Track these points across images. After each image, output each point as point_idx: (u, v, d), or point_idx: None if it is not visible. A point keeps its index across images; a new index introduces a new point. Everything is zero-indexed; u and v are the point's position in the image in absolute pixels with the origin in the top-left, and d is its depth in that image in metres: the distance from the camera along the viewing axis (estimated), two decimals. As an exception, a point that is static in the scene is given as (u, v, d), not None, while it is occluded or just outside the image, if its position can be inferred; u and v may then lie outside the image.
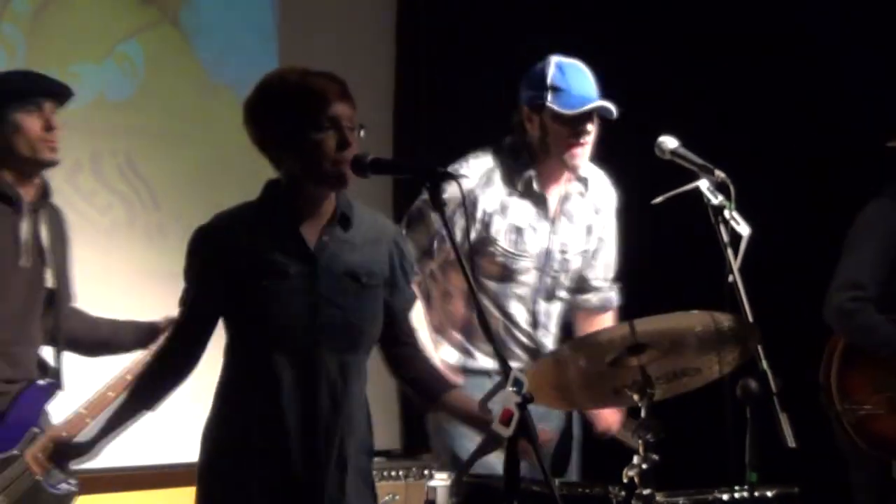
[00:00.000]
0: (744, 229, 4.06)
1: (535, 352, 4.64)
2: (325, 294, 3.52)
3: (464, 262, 3.43)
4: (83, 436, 3.74)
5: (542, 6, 6.62)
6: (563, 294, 4.70)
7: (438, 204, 3.41)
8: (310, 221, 3.54)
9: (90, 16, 5.68)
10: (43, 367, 4.27)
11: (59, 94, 4.25)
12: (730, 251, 4.04)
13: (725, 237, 4.07)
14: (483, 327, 3.46)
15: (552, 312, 4.69)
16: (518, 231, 4.55)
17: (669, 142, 4.27)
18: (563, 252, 4.61)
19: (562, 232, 4.61)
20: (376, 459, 5.71)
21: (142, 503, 5.62)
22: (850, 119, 5.88)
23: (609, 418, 4.67)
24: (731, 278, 4.01)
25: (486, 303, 4.54)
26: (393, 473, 5.54)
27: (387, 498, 5.34)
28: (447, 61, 6.82)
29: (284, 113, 3.48)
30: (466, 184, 4.43)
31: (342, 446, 3.55)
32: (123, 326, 4.41)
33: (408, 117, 6.73)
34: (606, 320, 4.77)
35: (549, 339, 4.69)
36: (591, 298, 4.79)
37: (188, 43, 6.06)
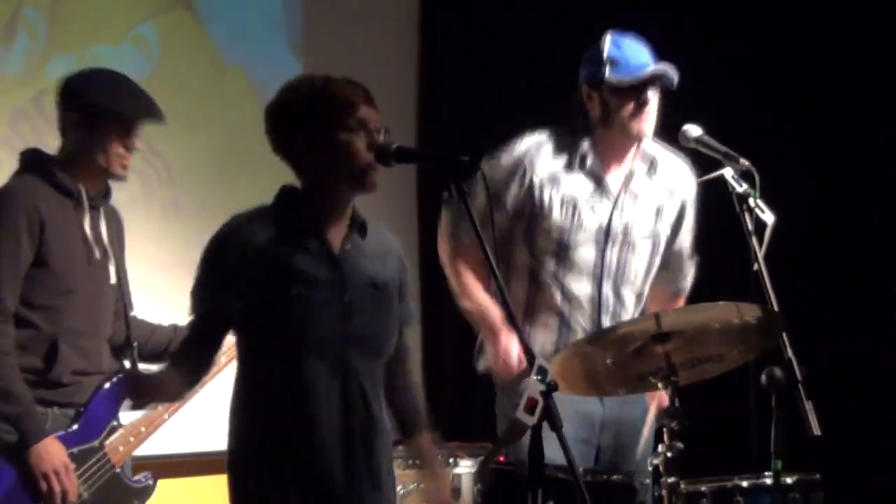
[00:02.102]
0: (769, 217, 4.05)
1: None
2: (354, 302, 3.52)
3: (485, 242, 3.41)
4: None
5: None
6: (639, 277, 4.59)
7: (461, 192, 3.41)
8: (331, 228, 3.54)
9: (105, 7, 5.70)
10: (116, 361, 4.30)
11: (152, 117, 4.29)
12: (754, 240, 4.03)
13: (750, 225, 4.06)
14: (505, 308, 3.45)
15: (624, 299, 4.58)
16: (572, 205, 4.47)
17: (693, 130, 4.27)
18: (626, 232, 4.51)
19: (625, 210, 4.51)
20: (399, 448, 5.77)
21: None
22: (878, 108, 5.86)
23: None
24: (755, 267, 3.99)
25: (547, 281, 4.50)
26: (416, 462, 5.55)
27: (410, 486, 5.36)
28: (471, 50, 6.84)
29: (312, 117, 3.48)
30: (515, 152, 4.48)
31: (375, 450, 3.58)
32: (182, 332, 4.34)
33: (431, 107, 6.73)
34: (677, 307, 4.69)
35: None
36: (668, 284, 4.71)
37: (201, 26, 6.09)
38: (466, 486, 4.10)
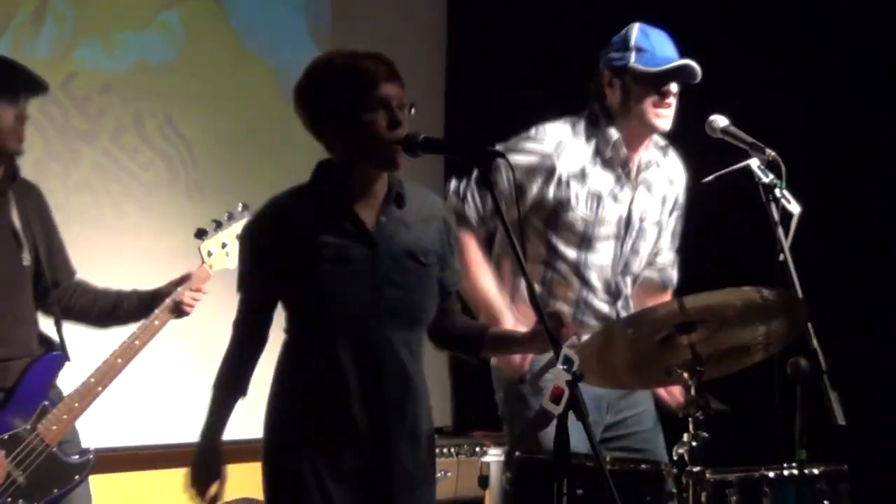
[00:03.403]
0: (794, 208, 4.05)
1: None
2: (387, 275, 3.54)
3: (512, 233, 3.42)
4: (198, 465, 3.69)
5: None
6: (639, 266, 4.63)
7: (488, 182, 3.42)
8: (365, 202, 3.55)
9: None
10: (45, 343, 4.27)
11: (38, 87, 4.24)
12: (780, 230, 4.02)
13: (776, 216, 4.06)
14: (532, 300, 3.45)
15: (628, 283, 4.63)
16: (597, 198, 4.46)
17: (720, 120, 4.25)
18: (641, 220, 4.54)
19: (640, 200, 4.54)
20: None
21: (159, 481, 5.71)
22: (878, 108, 5.84)
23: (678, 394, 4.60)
24: (781, 257, 3.99)
25: (566, 271, 4.50)
26: (444, 451, 5.56)
27: (438, 475, 5.37)
28: (499, 38, 6.82)
29: (334, 95, 3.49)
30: (540, 150, 4.44)
31: (415, 421, 3.61)
32: (128, 296, 4.41)
33: (459, 96, 6.73)
34: (664, 299, 4.69)
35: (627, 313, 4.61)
36: (655, 276, 4.73)
37: (223, 13, 6.10)
38: (495, 474, 4.08)
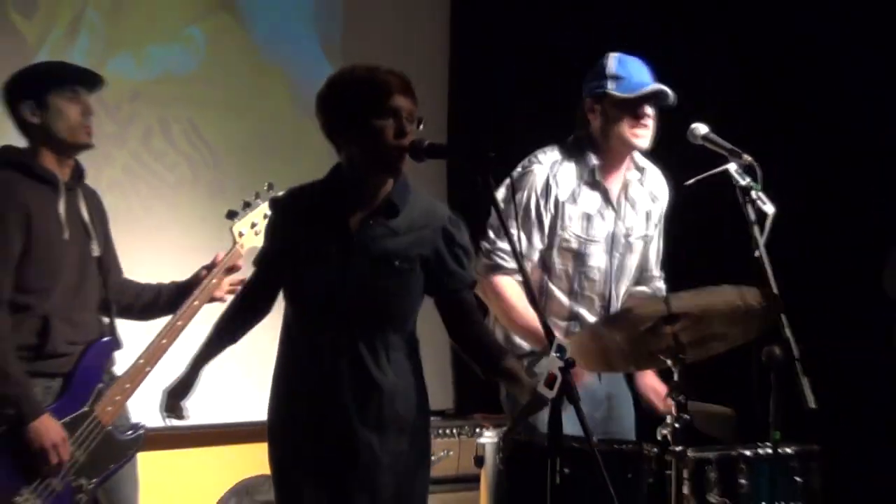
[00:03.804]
0: (769, 208, 4.05)
1: None
2: (359, 277, 3.55)
3: (512, 239, 3.43)
4: (178, 379, 3.79)
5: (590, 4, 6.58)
6: (629, 278, 4.64)
7: (487, 184, 3.42)
8: (362, 206, 3.56)
9: (160, 5, 5.72)
10: (103, 329, 4.26)
11: (94, 81, 4.22)
12: (756, 229, 4.03)
13: (752, 216, 4.06)
14: (531, 300, 3.48)
15: (620, 294, 4.63)
16: (588, 218, 4.49)
17: (700, 128, 4.26)
18: (626, 236, 4.56)
19: (626, 217, 4.56)
20: (431, 419, 5.74)
21: (200, 458, 5.71)
22: (876, 108, 5.80)
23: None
24: (757, 253, 4.00)
25: (556, 290, 4.52)
26: (447, 431, 5.56)
27: (441, 454, 5.37)
28: (500, 51, 6.81)
29: (350, 100, 3.50)
30: (540, 177, 4.47)
31: (381, 409, 3.58)
32: (166, 288, 4.42)
33: (461, 106, 6.72)
34: None
35: None
36: (646, 290, 4.72)
37: (243, 27, 6.09)
38: (489, 454, 4.09)
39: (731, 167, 4.15)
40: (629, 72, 4.45)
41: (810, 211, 5.46)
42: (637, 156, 4.57)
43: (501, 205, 3.98)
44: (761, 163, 4.16)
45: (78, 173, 4.22)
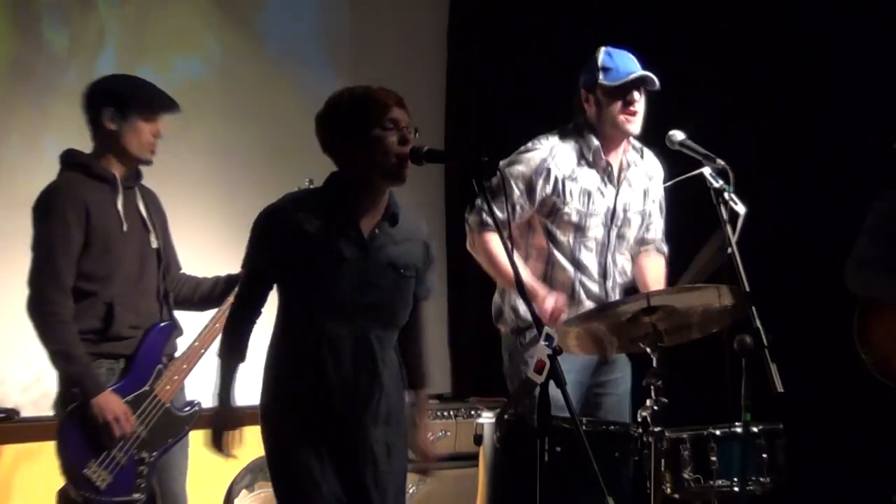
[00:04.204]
0: (740, 209, 4.06)
1: (602, 301, 4.60)
2: (372, 279, 3.56)
3: (500, 226, 3.43)
4: (221, 419, 3.74)
5: (583, 11, 6.52)
6: (626, 249, 4.68)
7: (481, 185, 3.43)
8: (366, 215, 3.56)
9: (181, 20, 5.70)
10: (163, 314, 4.26)
11: (172, 107, 4.24)
12: (728, 227, 4.04)
13: (725, 215, 4.06)
14: (520, 289, 3.45)
15: (619, 265, 4.66)
16: (588, 194, 4.52)
17: (678, 135, 4.26)
18: (625, 211, 4.60)
19: (624, 194, 4.59)
20: (431, 401, 5.74)
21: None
22: (840, 112, 5.78)
23: None
24: (729, 250, 4.00)
25: (561, 258, 4.55)
26: (445, 413, 5.55)
27: (440, 434, 5.36)
28: (493, 63, 6.78)
29: (353, 117, 3.51)
30: (538, 155, 4.51)
31: (379, 404, 3.59)
32: (217, 281, 4.43)
33: (457, 114, 6.70)
34: (660, 263, 4.77)
35: (616, 290, 4.66)
36: (650, 247, 4.77)
37: (258, 42, 6.06)
38: (487, 433, 4.09)
39: (706, 171, 4.15)
40: (616, 63, 4.49)
41: (779, 211, 5.45)
42: (633, 140, 4.61)
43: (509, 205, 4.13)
44: (737, 164, 4.17)
45: (136, 173, 4.24)
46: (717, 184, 4.10)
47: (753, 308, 3.90)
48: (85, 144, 4.23)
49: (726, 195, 4.08)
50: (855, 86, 5.71)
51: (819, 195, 5.62)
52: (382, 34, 6.43)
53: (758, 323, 3.89)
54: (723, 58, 6.03)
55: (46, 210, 4.05)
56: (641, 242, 4.73)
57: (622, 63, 4.50)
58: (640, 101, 4.47)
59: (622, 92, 4.45)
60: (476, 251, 4.53)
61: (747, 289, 3.95)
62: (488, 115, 6.62)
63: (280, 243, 3.57)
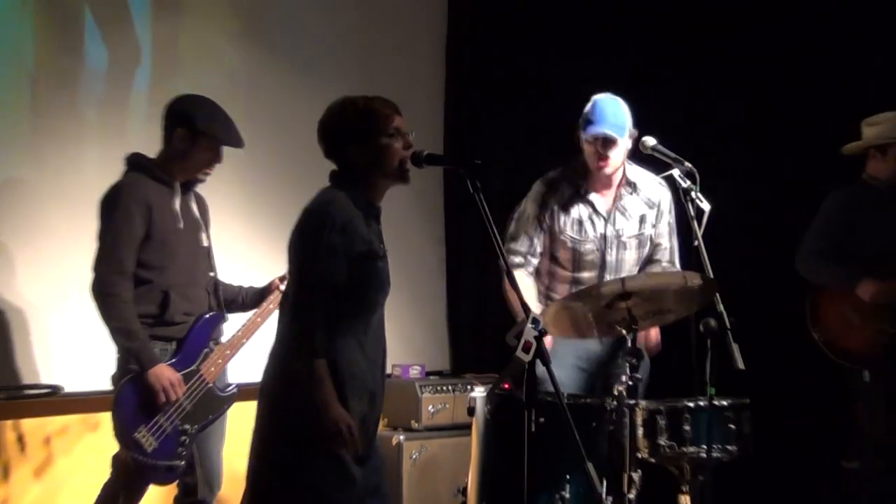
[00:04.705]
0: (706, 206, 4.08)
1: None
2: (387, 268, 3.51)
3: (496, 238, 3.38)
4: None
5: (578, 30, 6.35)
6: (631, 269, 4.63)
7: (475, 186, 3.37)
8: (374, 212, 3.49)
9: (206, 42, 5.60)
10: (211, 304, 4.29)
11: (237, 143, 4.28)
12: (695, 223, 4.06)
13: (692, 212, 4.08)
14: (512, 285, 3.46)
15: None
16: (580, 223, 4.58)
17: (649, 140, 4.29)
18: (618, 237, 4.59)
19: (617, 223, 4.58)
20: (431, 377, 5.75)
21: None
22: (797, 120, 5.74)
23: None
24: (696, 243, 4.03)
25: (561, 274, 4.63)
26: (444, 388, 5.53)
27: (440, 406, 5.37)
28: (488, 72, 6.64)
29: (360, 128, 3.45)
30: (540, 194, 4.61)
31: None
32: (244, 290, 4.44)
33: (455, 120, 6.61)
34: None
35: None
36: (657, 266, 4.70)
37: (278, 58, 5.96)
38: (480, 405, 4.12)
39: (675, 172, 4.17)
40: (596, 116, 4.47)
41: (741, 208, 5.45)
42: (630, 173, 4.59)
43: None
44: (705, 166, 4.19)
45: (191, 181, 4.27)
46: (685, 184, 4.12)
47: (717, 294, 3.92)
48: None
49: (693, 194, 4.10)
50: (809, 95, 5.69)
51: (777, 194, 5.60)
52: (385, 47, 6.32)
53: (721, 307, 3.91)
54: (696, 67, 5.98)
55: (113, 204, 4.06)
56: (649, 262, 4.69)
57: (598, 115, 4.48)
58: (612, 149, 4.46)
59: (594, 143, 4.47)
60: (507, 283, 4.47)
61: (711, 276, 3.97)
62: (484, 119, 6.53)
63: (354, 250, 3.41)
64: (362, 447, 3.40)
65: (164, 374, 4.04)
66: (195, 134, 4.16)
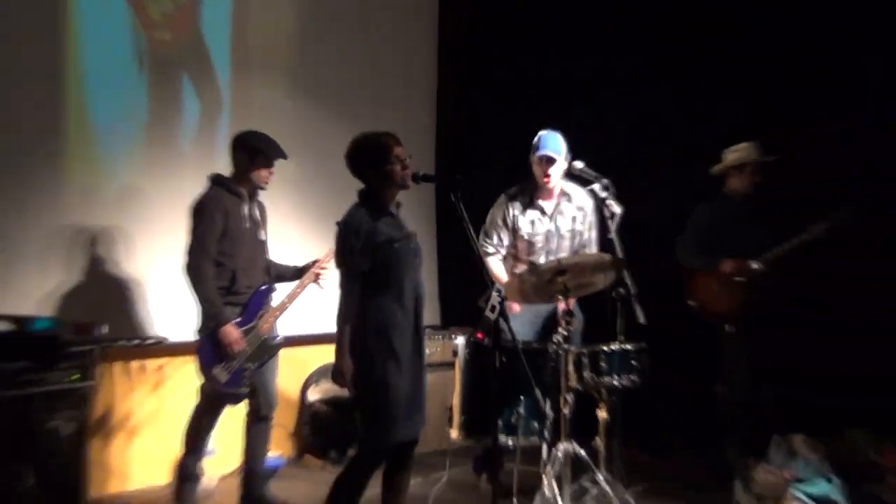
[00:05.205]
0: (617, 209, 4.09)
1: None
2: (415, 246, 3.53)
3: (471, 235, 3.37)
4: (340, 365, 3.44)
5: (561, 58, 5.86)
6: (566, 251, 4.60)
7: (456, 196, 3.35)
8: (392, 214, 3.53)
9: (268, 95, 5.31)
10: (265, 280, 4.23)
11: (284, 157, 4.22)
12: (610, 221, 4.08)
13: (608, 213, 4.10)
14: (484, 266, 3.48)
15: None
16: (532, 223, 4.57)
17: (578, 164, 4.27)
18: (558, 231, 4.58)
19: (557, 222, 4.58)
20: (427, 329, 5.59)
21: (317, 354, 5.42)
22: (695, 134, 5.35)
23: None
24: (610, 235, 4.05)
25: (522, 258, 4.58)
26: (435, 337, 5.51)
27: (433, 349, 5.36)
28: (476, 98, 6.24)
29: (375, 156, 3.48)
30: (503, 204, 4.56)
31: (424, 334, 3.58)
32: (290, 269, 4.36)
33: (445, 142, 6.34)
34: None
35: None
36: (585, 250, 4.62)
37: (319, 104, 5.71)
38: (461, 349, 4.11)
39: (596, 186, 4.17)
40: (542, 144, 4.47)
41: (645, 211, 5.37)
42: (565, 187, 4.56)
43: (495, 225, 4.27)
44: (619, 179, 4.20)
45: (255, 192, 4.23)
46: (602, 194, 4.13)
47: (625, 271, 3.95)
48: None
49: (608, 202, 4.11)
50: (700, 123, 5.39)
51: (668, 202, 5.55)
52: (386, 84, 6.00)
53: (628, 280, 3.95)
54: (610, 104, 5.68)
55: (201, 210, 4.06)
56: (579, 247, 4.65)
57: (542, 144, 4.46)
58: (552, 167, 4.44)
59: (540, 162, 4.46)
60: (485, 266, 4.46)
61: (621, 258, 3.99)
62: (469, 140, 6.23)
63: (362, 242, 3.44)
64: (412, 367, 3.45)
65: (230, 332, 4.02)
66: (252, 154, 4.13)
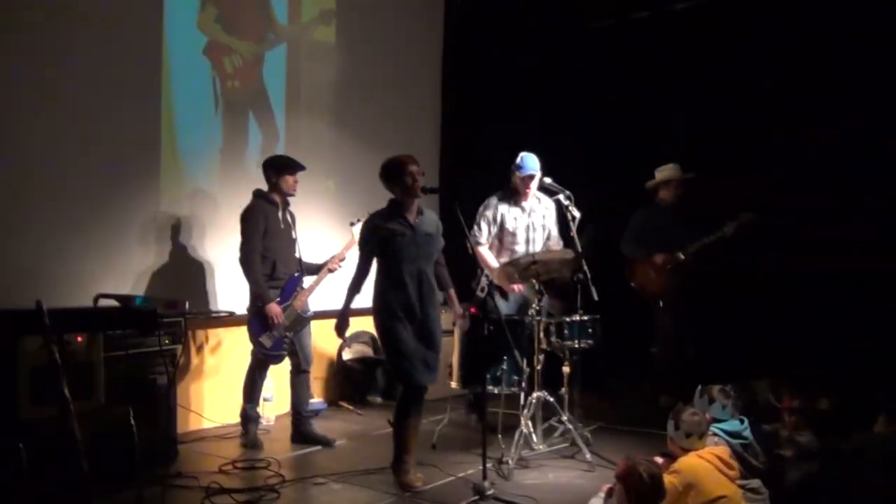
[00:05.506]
0: (577, 214, 4.13)
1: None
2: (420, 242, 3.54)
3: (466, 232, 3.51)
4: (341, 318, 3.55)
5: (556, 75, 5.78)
6: (541, 244, 4.52)
7: (454, 207, 3.46)
8: (409, 214, 3.57)
9: (314, 127, 5.14)
10: (298, 269, 4.22)
11: (303, 169, 4.22)
12: (572, 223, 4.12)
13: (570, 217, 4.13)
14: (477, 256, 3.60)
15: (538, 249, 4.52)
16: (515, 219, 4.46)
17: (546, 179, 4.28)
18: (532, 227, 4.48)
19: (532, 218, 4.48)
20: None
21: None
22: (638, 160, 5.27)
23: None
24: (571, 234, 4.11)
25: (507, 248, 4.47)
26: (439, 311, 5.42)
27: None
28: (473, 116, 5.96)
29: (397, 174, 3.54)
30: (492, 205, 4.44)
31: (432, 303, 3.55)
32: (315, 264, 4.30)
33: (448, 159, 6.04)
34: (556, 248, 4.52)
35: None
36: (551, 243, 4.53)
37: (355, 134, 5.35)
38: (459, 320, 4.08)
39: (561, 197, 4.22)
40: (523, 164, 4.38)
41: (600, 216, 4.95)
42: (537, 194, 4.49)
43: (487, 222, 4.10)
44: (579, 191, 4.22)
45: (286, 201, 4.25)
46: (566, 203, 4.17)
47: (583, 261, 4.05)
48: (263, 186, 4.22)
49: (570, 209, 4.15)
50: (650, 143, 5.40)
51: (617, 207, 5.32)
52: (401, 118, 5.74)
53: (585, 268, 4.04)
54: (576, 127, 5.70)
55: (248, 217, 4.12)
56: (547, 240, 4.60)
57: (525, 164, 4.37)
58: (532, 181, 4.38)
59: (522, 179, 4.39)
60: (476, 254, 4.33)
61: (580, 250, 4.06)
62: (471, 156, 5.89)
63: (374, 236, 3.53)
64: (416, 331, 3.43)
65: (275, 309, 4.06)
66: (277, 169, 4.14)
